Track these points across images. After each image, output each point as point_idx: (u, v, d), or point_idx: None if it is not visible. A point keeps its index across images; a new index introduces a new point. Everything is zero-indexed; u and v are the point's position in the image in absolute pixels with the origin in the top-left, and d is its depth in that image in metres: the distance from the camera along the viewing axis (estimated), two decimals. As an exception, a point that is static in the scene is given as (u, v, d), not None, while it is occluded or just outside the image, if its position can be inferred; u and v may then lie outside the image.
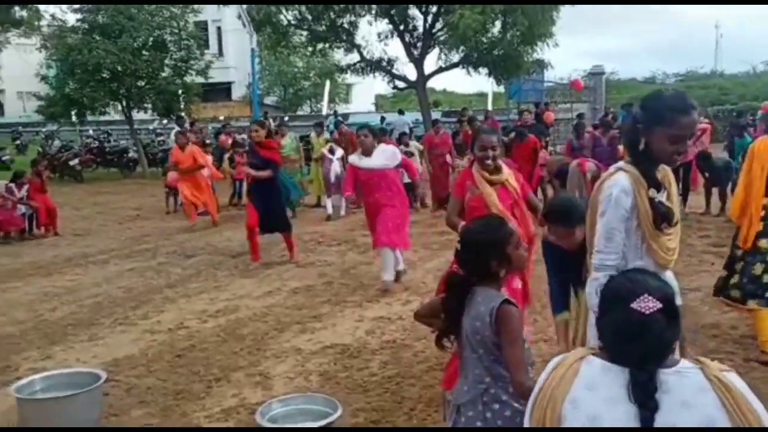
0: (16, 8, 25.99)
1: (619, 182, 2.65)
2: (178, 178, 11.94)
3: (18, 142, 29.09)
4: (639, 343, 1.47)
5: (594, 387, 1.50)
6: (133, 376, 4.87)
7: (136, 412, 4.26)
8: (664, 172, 2.77)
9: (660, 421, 1.42)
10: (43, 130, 27.74)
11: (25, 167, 12.40)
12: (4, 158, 23.62)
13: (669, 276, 2.80)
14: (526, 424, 1.64)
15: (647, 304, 1.51)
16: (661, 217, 2.67)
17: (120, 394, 4.56)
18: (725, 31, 79.35)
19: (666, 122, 2.56)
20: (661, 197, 2.68)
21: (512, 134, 11.96)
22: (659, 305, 1.52)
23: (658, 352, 1.49)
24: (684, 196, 10.60)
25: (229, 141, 15.04)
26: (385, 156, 7.15)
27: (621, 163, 2.76)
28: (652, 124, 2.60)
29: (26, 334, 5.95)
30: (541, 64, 21.93)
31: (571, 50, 49.56)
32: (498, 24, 19.58)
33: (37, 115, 24.52)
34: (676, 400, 1.44)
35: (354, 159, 7.19)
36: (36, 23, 26.52)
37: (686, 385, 1.46)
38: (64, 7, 22.26)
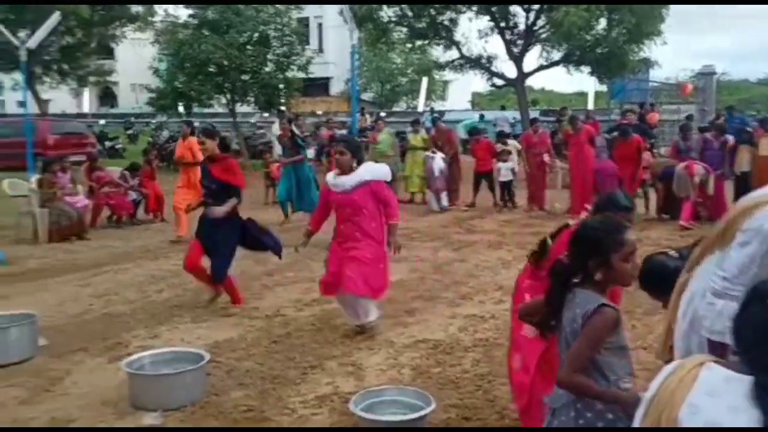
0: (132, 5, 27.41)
1: None
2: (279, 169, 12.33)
3: (130, 132, 30.74)
4: None
5: (716, 394, 1.47)
6: (233, 358, 5.06)
7: (236, 394, 4.43)
8: None
9: None
10: (153, 121, 29.20)
11: (136, 156, 13.10)
12: (117, 147, 25.03)
13: None
14: (637, 423, 1.62)
15: None
16: None
17: (221, 375, 4.74)
18: None
19: None
20: None
21: (615, 132, 11.62)
22: None
23: None
24: None
25: (328, 135, 15.35)
26: (371, 173, 5.46)
27: None
28: None
29: (136, 313, 6.29)
30: (647, 63, 21.20)
31: (680, 49, 47.38)
32: (603, 21, 19.04)
33: (147, 106, 25.84)
34: None
35: (329, 178, 5.57)
36: (150, 19, 27.89)
37: None
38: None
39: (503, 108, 24.20)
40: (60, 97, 35.69)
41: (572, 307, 2.38)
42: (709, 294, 2.54)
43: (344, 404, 4.15)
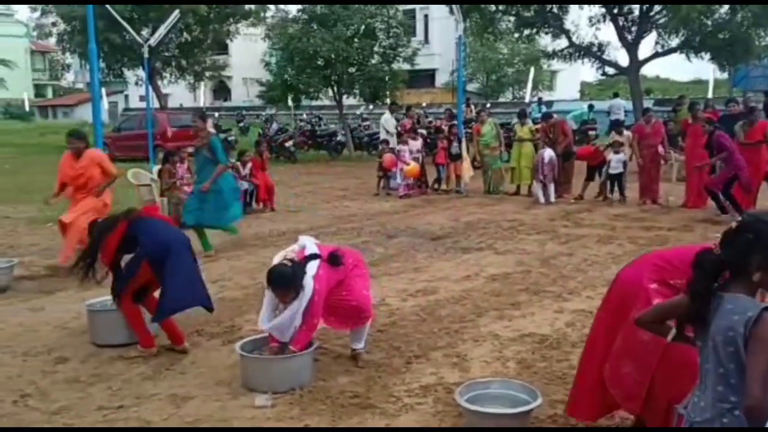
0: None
1: None
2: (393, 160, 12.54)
3: (241, 124, 31.95)
4: None
5: None
6: (339, 345, 5.17)
7: (343, 380, 4.53)
8: None
9: None
10: (263, 113, 30.21)
11: (248, 147, 13.58)
12: (229, 139, 26.04)
13: None
14: None
15: None
16: None
17: (328, 361, 4.86)
18: None
19: None
20: None
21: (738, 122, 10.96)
22: None
23: None
24: None
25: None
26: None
27: None
28: None
29: (248, 298, 6.54)
30: (775, 49, 19.80)
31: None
32: (726, 5, 17.96)
33: (258, 99, 26.77)
34: None
35: None
36: (262, 15, 28.83)
37: None
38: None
39: (616, 95, 23.27)
40: (178, 92, 37.61)
41: (724, 313, 2.20)
42: None
43: (449, 395, 4.16)
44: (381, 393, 4.32)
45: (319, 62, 20.65)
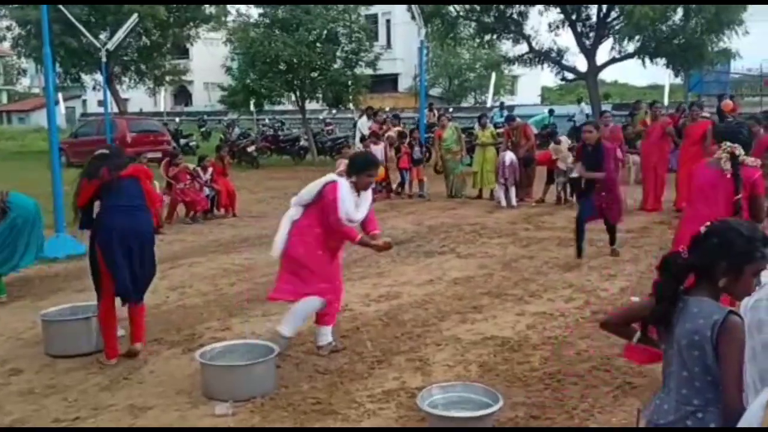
0: (207, 6, 28.15)
1: None
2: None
3: (203, 129, 31.61)
4: None
5: None
6: (302, 352, 5.14)
7: (305, 386, 4.50)
8: None
9: None
10: (225, 118, 29.91)
11: (209, 153, 13.45)
12: (191, 144, 25.76)
13: None
14: (760, 409, 1.55)
15: None
16: None
17: (290, 368, 4.83)
18: None
19: None
20: None
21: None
22: None
23: None
24: None
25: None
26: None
27: None
28: None
29: (208, 305, 6.47)
30: (728, 55, 20.28)
31: (764, 39, 45.19)
32: (680, 11, 18.37)
33: (220, 104, 26.49)
34: None
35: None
36: (223, 19, 28.58)
37: None
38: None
39: (579, 101, 23.58)
40: (138, 96, 37.06)
41: (690, 317, 2.22)
42: None
43: (411, 399, 4.16)
44: (343, 399, 4.31)
45: (281, 66, 20.51)
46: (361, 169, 4.97)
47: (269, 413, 4.11)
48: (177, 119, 33.45)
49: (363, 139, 15.55)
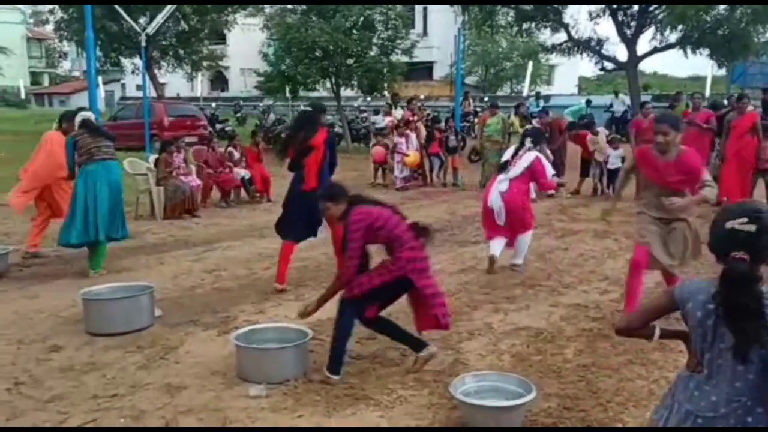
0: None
1: None
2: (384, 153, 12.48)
3: (239, 115, 31.82)
4: None
5: None
6: (335, 337, 5.16)
7: (337, 371, 4.52)
8: None
9: None
10: (261, 104, 30.08)
11: (244, 138, 13.55)
12: (226, 129, 25.97)
13: None
14: None
15: None
16: None
17: (323, 352, 4.83)
18: None
19: None
20: None
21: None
22: None
23: None
24: None
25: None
26: None
27: None
28: None
29: (243, 289, 6.54)
30: (773, 45, 19.78)
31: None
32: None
33: (256, 90, 26.64)
34: None
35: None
36: (260, 5, 28.67)
37: None
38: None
39: (616, 94, 23.23)
40: (175, 81, 37.45)
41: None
42: None
43: (443, 387, 4.16)
44: (376, 384, 4.33)
45: (317, 53, 20.53)
46: None
47: (302, 396, 4.15)
48: (213, 104, 33.75)
49: (397, 127, 15.42)
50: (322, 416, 3.92)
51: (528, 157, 7.06)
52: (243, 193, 12.14)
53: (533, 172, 7.05)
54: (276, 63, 21.69)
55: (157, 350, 4.92)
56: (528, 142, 7.21)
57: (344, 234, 4.42)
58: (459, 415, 3.84)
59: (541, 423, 3.78)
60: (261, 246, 8.44)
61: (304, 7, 21.03)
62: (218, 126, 25.91)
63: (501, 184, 6.99)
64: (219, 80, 50.82)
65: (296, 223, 6.36)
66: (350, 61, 21.16)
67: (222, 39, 39.08)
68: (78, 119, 7.05)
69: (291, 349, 4.37)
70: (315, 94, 25.33)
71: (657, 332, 2.47)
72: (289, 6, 22.38)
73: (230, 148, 12.09)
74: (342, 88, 22.62)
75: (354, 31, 20.62)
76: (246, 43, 34.39)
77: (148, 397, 4.17)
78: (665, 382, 4.28)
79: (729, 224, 2.19)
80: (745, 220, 2.16)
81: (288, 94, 23.37)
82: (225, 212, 11.03)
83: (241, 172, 11.97)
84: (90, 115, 7.26)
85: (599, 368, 4.53)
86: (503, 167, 7.26)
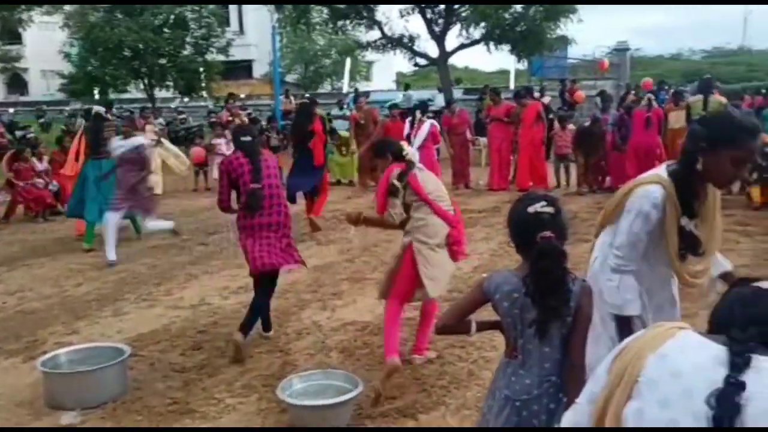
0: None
1: (652, 195, 2.61)
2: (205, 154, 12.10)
3: (42, 120, 29.37)
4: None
5: (686, 351, 1.52)
6: (157, 351, 4.93)
7: (160, 386, 4.32)
8: (712, 198, 2.71)
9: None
10: (67, 108, 27.99)
11: (49, 145, 12.54)
12: (28, 136, 23.85)
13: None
14: (604, 374, 1.64)
15: None
16: (688, 247, 2.66)
17: (144, 368, 4.62)
18: (754, 6, 77.67)
19: (736, 144, 2.49)
20: (691, 226, 2.65)
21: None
22: None
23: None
24: None
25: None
26: None
27: (661, 171, 2.70)
28: (719, 144, 2.51)
29: (52, 309, 6.05)
30: (565, 41, 21.67)
31: (598, 26, 48.79)
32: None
33: (60, 93, 24.75)
34: (763, 382, 1.44)
35: None
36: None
37: None
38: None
39: (439, 89, 24.23)
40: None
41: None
42: (608, 270, 2.67)
43: (272, 391, 4.11)
44: (201, 396, 4.18)
45: (125, 53, 19.52)
46: None
47: (122, 418, 3.91)
48: (11, 110, 30.89)
49: (212, 126, 15.03)
50: (145, 437, 3.72)
51: (426, 126, 8.74)
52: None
53: (434, 136, 8.96)
54: (80, 64, 20.35)
55: (-49, 387, 4.41)
56: (418, 114, 8.69)
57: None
58: (288, 418, 3.81)
59: (367, 415, 3.85)
60: (72, 261, 7.85)
61: (107, 4, 19.85)
62: (19, 133, 23.72)
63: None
64: (17, 83, 46.58)
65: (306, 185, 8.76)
66: (163, 61, 20.36)
67: (17, 38, 35.86)
68: None
69: (105, 369, 4.09)
70: (128, 96, 24.05)
71: (474, 326, 2.56)
72: (91, 3, 21.01)
73: (33, 159, 11.08)
74: (157, 89, 21.69)
75: (165, 30, 19.84)
76: (46, 43, 31.81)
77: (-59, 441, 3.73)
78: (483, 361, 4.54)
79: (531, 209, 2.33)
80: (544, 203, 2.33)
81: (97, 97, 21.97)
82: (30, 226, 10.14)
83: (51, 186, 11.00)
84: None
85: (423, 355, 4.69)
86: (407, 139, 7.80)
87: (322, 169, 8.87)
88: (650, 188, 2.63)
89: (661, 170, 2.70)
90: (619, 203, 2.74)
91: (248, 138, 5.06)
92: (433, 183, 4.45)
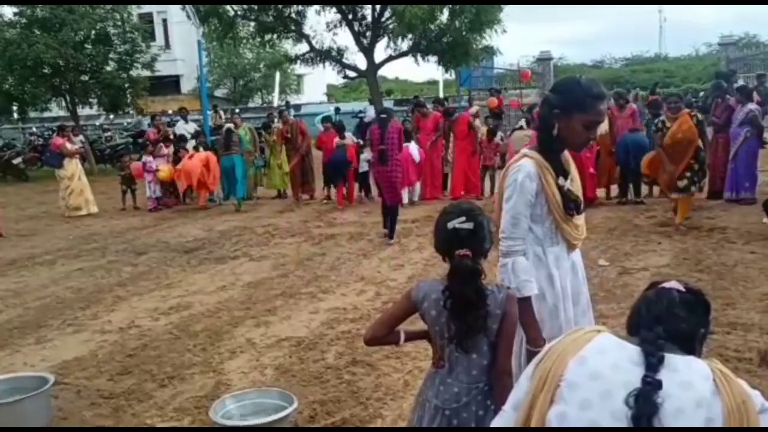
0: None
1: (524, 168, 2.68)
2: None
3: (-44, 141, 28.10)
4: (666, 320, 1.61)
5: (604, 353, 1.59)
6: (84, 378, 4.76)
7: (87, 414, 4.17)
8: (567, 158, 2.83)
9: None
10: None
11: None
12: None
13: (576, 256, 2.90)
14: (526, 380, 1.67)
15: (675, 286, 1.70)
16: (571, 204, 2.74)
17: (70, 396, 4.45)
18: (669, 15, 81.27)
19: (584, 108, 2.61)
20: (568, 184, 2.75)
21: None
22: (683, 289, 1.69)
23: (677, 333, 1.60)
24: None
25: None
26: None
27: (526, 150, 2.79)
28: (569, 109, 2.62)
29: (-29, 339, 5.77)
30: (490, 51, 22.11)
31: (523, 37, 50.08)
32: (446, 11, 19.67)
33: (-25, 113, 23.71)
34: (677, 380, 1.51)
35: None
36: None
37: (694, 370, 1.52)
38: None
39: (370, 101, 24.33)
40: None
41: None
42: (500, 258, 2.71)
43: (206, 413, 4.02)
44: (131, 422, 4.05)
45: (45, 70, 18.85)
46: None
47: (47, 451, 3.76)
48: None
49: (184, 139, 14.33)
50: (72, 468, 3.58)
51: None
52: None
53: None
54: (-4, 82, 19.54)
55: None
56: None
57: None
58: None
59: (304, 432, 3.81)
60: (-9, 288, 7.51)
61: (24, 20, 19.14)
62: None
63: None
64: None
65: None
66: (85, 78, 19.75)
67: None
68: None
69: (25, 401, 3.91)
70: (50, 114, 23.25)
71: (402, 336, 2.55)
72: (5, 19, 20.23)
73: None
74: (80, 107, 21.03)
75: (86, 46, 19.27)
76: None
77: None
78: (419, 371, 4.55)
79: (450, 224, 2.34)
80: (464, 218, 2.33)
81: (16, 116, 21.16)
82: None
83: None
84: None
85: (358, 368, 4.68)
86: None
87: None
88: (519, 163, 2.72)
89: (524, 150, 2.80)
90: (499, 191, 2.83)
91: None
92: None
